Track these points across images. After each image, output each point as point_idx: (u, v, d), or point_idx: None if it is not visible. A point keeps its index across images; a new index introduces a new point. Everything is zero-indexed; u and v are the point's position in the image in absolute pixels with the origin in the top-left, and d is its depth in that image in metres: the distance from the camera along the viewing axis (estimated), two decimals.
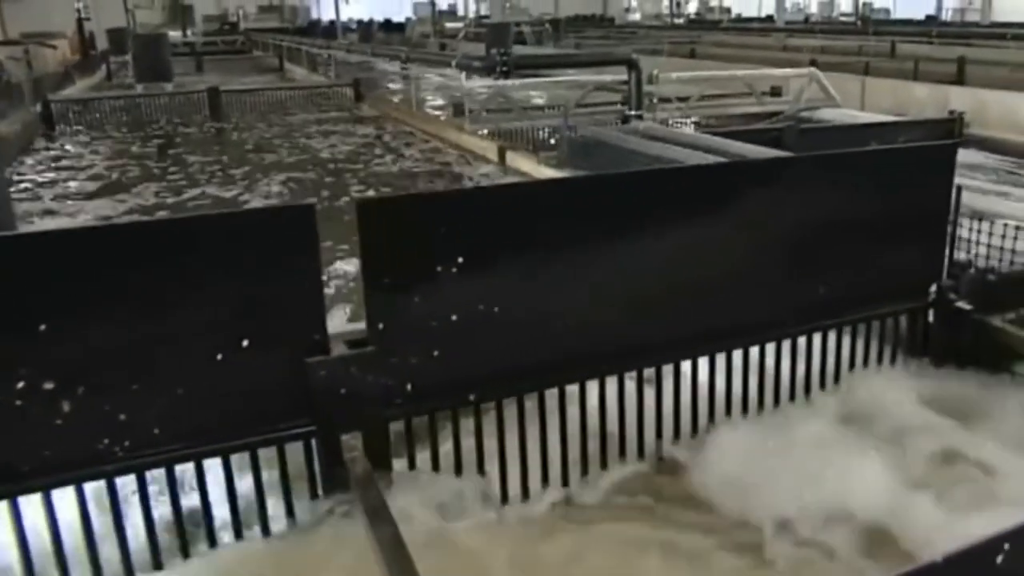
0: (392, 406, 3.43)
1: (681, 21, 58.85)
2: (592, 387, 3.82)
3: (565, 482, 3.80)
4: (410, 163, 12.91)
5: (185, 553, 3.27)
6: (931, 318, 4.55)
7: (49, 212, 10.40)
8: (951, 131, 11.87)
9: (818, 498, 3.50)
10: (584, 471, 3.86)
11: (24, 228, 8.63)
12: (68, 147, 15.16)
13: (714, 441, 4.04)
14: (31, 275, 2.89)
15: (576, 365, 3.75)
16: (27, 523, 3.02)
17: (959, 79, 17.09)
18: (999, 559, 1.75)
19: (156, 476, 3.19)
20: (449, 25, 50.21)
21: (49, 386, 2.92)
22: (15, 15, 43.63)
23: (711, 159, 7.44)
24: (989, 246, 4.58)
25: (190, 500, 3.28)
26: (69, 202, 10.86)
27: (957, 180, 4.47)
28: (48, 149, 15.07)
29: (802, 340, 4.28)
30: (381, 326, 3.35)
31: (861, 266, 4.32)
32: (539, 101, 15.74)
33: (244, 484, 3.35)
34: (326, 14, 56.47)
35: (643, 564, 3.35)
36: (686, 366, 4.05)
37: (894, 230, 4.36)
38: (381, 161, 13.15)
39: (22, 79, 19.31)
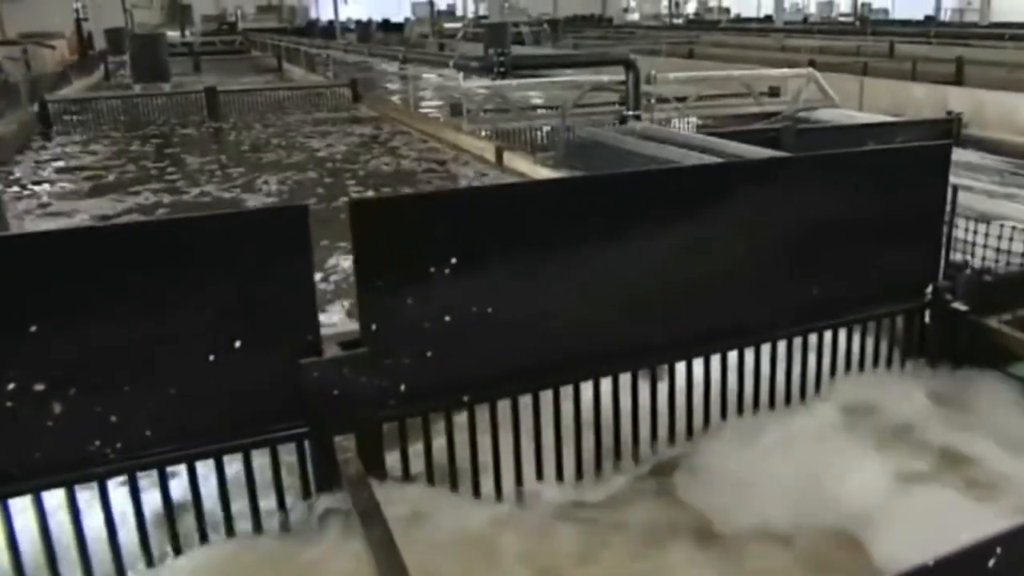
0: (385, 407, 3.41)
1: (680, 21, 58.88)
2: (587, 388, 3.80)
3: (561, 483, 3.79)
4: (408, 163, 12.90)
5: (177, 554, 3.25)
6: (927, 319, 4.54)
7: (43, 212, 10.38)
8: (949, 131, 11.87)
9: (813, 500, 3.48)
10: (579, 473, 3.84)
11: (18, 228, 8.63)
12: (65, 147, 15.14)
13: (711, 442, 4.03)
14: (22, 276, 2.88)
15: (571, 366, 3.73)
16: (17, 525, 3.01)
17: (957, 79, 17.11)
18: (991, 562, 1.74)
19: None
20: (448, 25, 50.19)
21: (40, 387, 2.90)
22: (14, 15, 43.61)
23: (708, 159, 7.43)
24: (998, 249, 4.56)
25: (183, 501, 3.26)
26: (64, 202, 10.83)
27: (960, 181, 4.47)
28: (44, 149, 15.06)
29: (797, 341, 4.26)
30: (374, 327, 3.34)
31: (857, 267, 4.31)
32: (537, 101, 15.72)
33: (237, 485, 3.34)
34: (325, 14, 56.48)
35: (639, 565, 3.34)
36: (681, 367, 4.03)
37: (890, 230, 4.35)
38: (378, 161, 13.14)
39: (19, 79, 19.27)
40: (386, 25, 51.69)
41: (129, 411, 3.04)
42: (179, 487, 3.25)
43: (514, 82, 13.86)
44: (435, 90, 19.65)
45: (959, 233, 4.60)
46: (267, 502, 3.39)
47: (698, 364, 4.07)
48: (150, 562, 3.22)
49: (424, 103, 19.06)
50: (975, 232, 4.60)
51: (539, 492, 3.74)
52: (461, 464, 3.62)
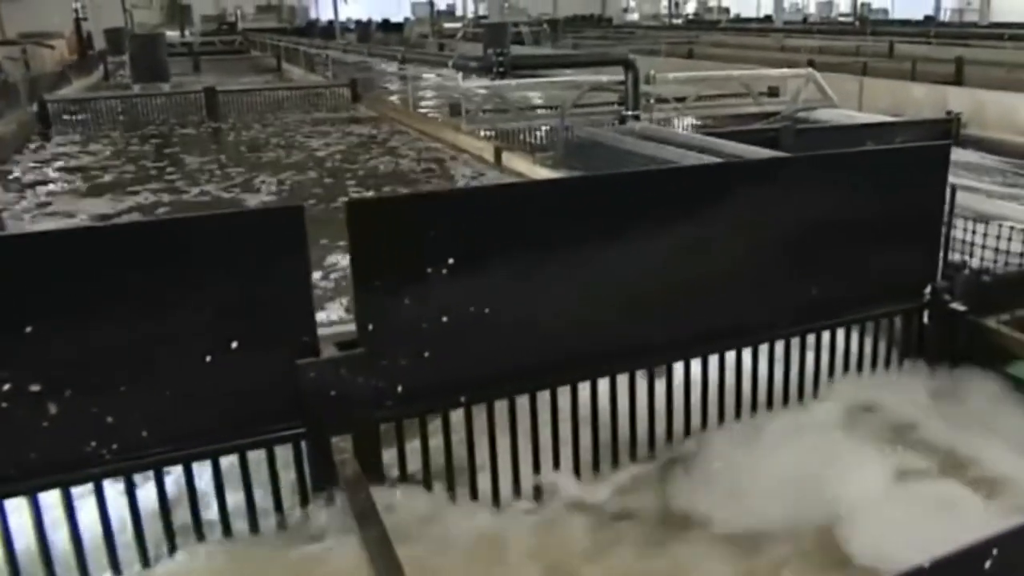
0: (382, 408, 3.40)
1: (679, 21, 58.88)
2: (584, 389, 3.79)
3: (557, 483, 3.78)
4: (406, 163, 12.89)
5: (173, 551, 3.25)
6: (926, 319, 4.53)
7: (41, 212, 10.37)
8: (948, 132, 11.87)
9: (810, 499, 3.48)
10: (576, 473, 3.83)
11: (15, 229, 8.62)
12: (63, 147, 15.13)
13: (710, 442, 4.02)
14: (16, 276, 2.87)
15: (568, 366, 3.72)
16: (12, 525, 3.00)
17: (957, 79, 17.10)
18: (987, 564, 1.74)
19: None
20: (447, 25, 50.18)
21: (36, 388, 2.90)
22: (13, 15, 43.61)
23: (707, 159, 7.43)
24: (996, 250, 4.56)
25: (179, 502, 3.26)
26: (62, 202, 10.82)
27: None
28: (43, 149, 15.05)
29: (795, 341, 4.26)
30: (371, 328, 3.33)
31: (855, 267, 4.30)
32: (538, 101, 15.71)
33: (234, 486, 3.34)
34: (325, 14, 56.47)
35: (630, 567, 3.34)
36: (680, 368, 4.03)
37: (888, 231, 4.34)
38: (377, 161, 13.13)
39: (19, 79, 19.27)
40: (386, 25, 51.69)
41: (125, 412, 3.04)
42: (176, 488, 3.25)
43: (513, 82, 13.86)
44: (434, 90, 19.64)
45: (959, 234, 4.59)
46: (264, 503, 3.38)
47: (696, 364, 4.06)
48: (146, 563, 3.20)
49: (423, 103, 19.06)
50: (973, 232, 4.59)
51: (536, 492, 3.74)
52: (458, 464, 3.61)
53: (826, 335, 4.34)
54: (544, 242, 3.60)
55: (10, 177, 12.48)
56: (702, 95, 14.38)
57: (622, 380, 3.88)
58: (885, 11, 58.09)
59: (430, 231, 3.37)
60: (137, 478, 3.16)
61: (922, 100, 13.90)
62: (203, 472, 3.27)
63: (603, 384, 3.83)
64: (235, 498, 3.34)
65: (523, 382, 3.65)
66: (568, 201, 3.76)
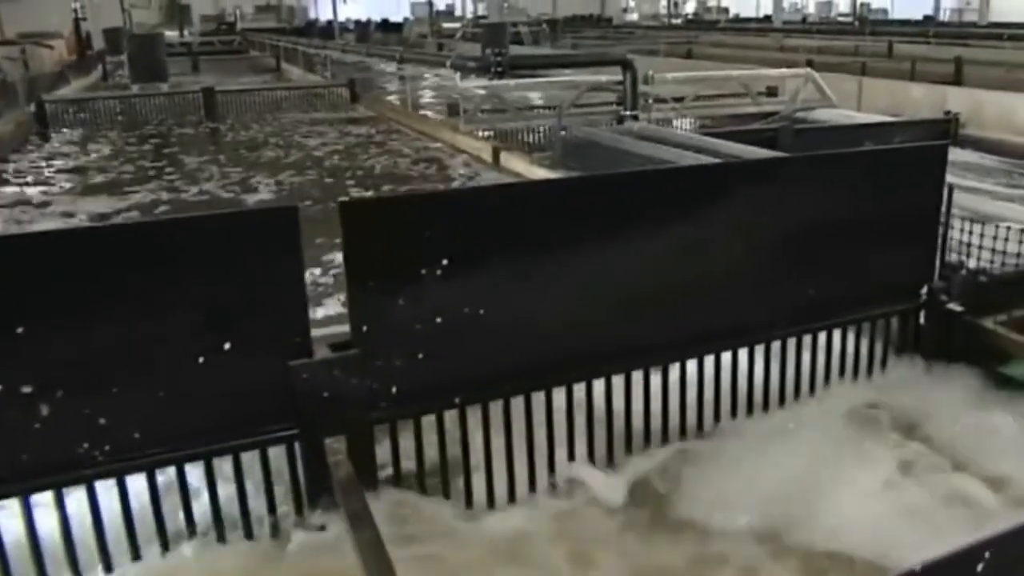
0: (376, 409, 3.39)
1: (678, 21, 58.87)
2: (580, 390, 3.78)
3: (553, 485, 3.77)
4: (405, 163, 12.88)
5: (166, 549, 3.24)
6: (922, 320, 4.52)
7: (37, 212, 10.36)
8: (947, 132, 11.88)
9: (804, 500, 3.47)
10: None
11: (9, 229, 8.61)
12: (61, 147, 15.12)
13: (707, 442, 4.02)
14: (7, 277, 2.86)
15: (563, 367, 3.71)
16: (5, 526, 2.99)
17: (956, 79, 17.10)
18: (979, 567, 1.72)
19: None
20: (447, 25, 50.16)
21: (27, 389, 2.89)
22: (12, 15, 43.57)
23: (705, 160, 7.42)
24: (993, 250, 4.55)
25: (172, 503, 3.25)
26: (60, 203, 10.81)
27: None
28: (41, 149, 15.03)
29: (792, 342, 4.24)
30: (365, 328, 3.32)
31: (852, 267, 4.29)
32: (538, 101, 15.69)
33: (227, 486, 3.33)
34: (324, 14, 56.44)
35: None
36: (676, 368, 4.02)
37: (886, 231, 4.33)
38: (376, 161, 13.12)
39: (17, 79, 19.25)
40: (385, 25, 51.65)
41: (118, 413, 3.03)
42: (171, 488, 3.24)
43: (511, 82, 13.85)
44: (433, 90, 19.63)
45: (960, 235, 4.57)
46: (257, 504, 3.37)
47: (693, 365, 4.05)
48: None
49: (422, 103, 19.05)
50: (970, 233, 4.58)
51: (531, 493, 3.73)
52: (453, 465, 3.61)
53: (822, 336, 4.32)
54: (539, 243, 3.59)
55: (6, 177, 12.46)
56: (701, 95, 14.38)
57: (618, 381, 3.87)
58: (884, 11, 58.08)
59: (424, 232, 3.36)
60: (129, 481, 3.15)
61: (921, 100, 13.89)
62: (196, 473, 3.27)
63: (599, 385, 3.82)
64: (228, 499, 3.33)
65: (518, 383, 3.63)
66: (563, 201, 3.75)
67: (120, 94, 20.37)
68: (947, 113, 12.36)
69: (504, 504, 3.66)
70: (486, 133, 13.21)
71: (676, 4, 64.24)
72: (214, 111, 17.78)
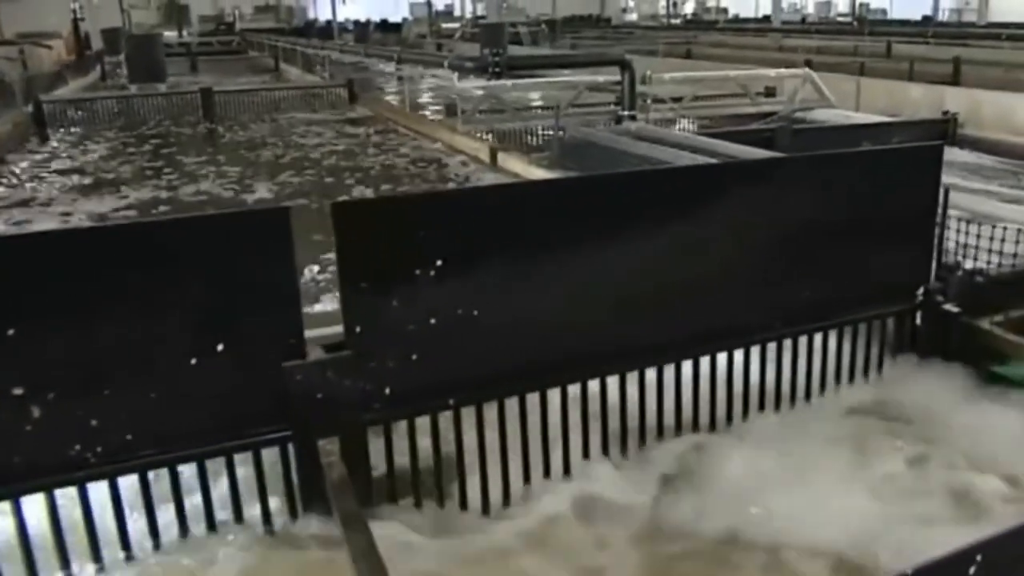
0: (370, 410, 3.39)
1: (678, 22, 58.87)
2: (574, 390, 3.77)
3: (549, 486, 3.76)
4: (403, 163, 12.87)
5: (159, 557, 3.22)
6: (919, 320, 4.51)
7: (33, 213, 10.34)
8: (945, 132, 11.88)
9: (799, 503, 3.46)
10: (567, 472, 3.81)
11: (2, 231, 8.60)
12: (59, 147, 15.10)
13: (704, 442, 4.01)
14: None
15: (558, 369, 3.70)
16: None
17: (954, 79, 17.09)
18: (971, 570, 1.72)
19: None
20: (446, 26, 50.13)
21: (18, 391, 2.88)
22: (11, 15, 43.53)
23: (702, 160, 7.42)
24: (988, 250, 4.54)
25: (165, 504, 3.24)
26: (57, 203, 10.80)
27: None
28: (39, 150, 15.01)
29: (787, 343, 4.23)
30: (358, 330, 3.31)
31: (848, 268, 4.28)
32: (536, 102, 15.68)
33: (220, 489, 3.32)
34: (323, 14, 56.42)
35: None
36: (672, 369, 4.00)
37: (882, 232, 4.32)
38: (374, 161, 13.11)
39: (15, 79, 19.23)
40: (384, 25, 51.62)
41: (110, 415, 3.02)
42: (163, 490, 3.23)
43: (509, 82, 13.84)
44: (432, 91, 19.62)
45: (952, 235, 4.56)
46: (250, 505, 3.36)
47: (689, 366, 4.04)
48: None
49: (420, 103, 19.04)
50: (966, 233, 4.57)
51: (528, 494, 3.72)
52: (447, 466, 3.59)
53: (818, 337, 4.31)
54: (533, 244, 3.58)
55: (3, 177, 12.45)
56: (699, 95, 14.38)
57: (612, 382, 3.85)
58: (883, 11, 58.09)
59: (418, 232, 3.35)
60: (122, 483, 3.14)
61: (919, 100, 13.88)
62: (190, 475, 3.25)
63: (594, 386, 3.81)
64: (222, 500, 3.33)
65: (512, 384, 3.62)
66: (559, 202, 3.73)
67: (118, 94, 20.34)
68: (945, 113, 12.36)
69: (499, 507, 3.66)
70: (484, 134, 13.20)
71: (675, 4, 64.27)
72: (212, 111, 17.75)
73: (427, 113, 17.62)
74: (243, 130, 16.65)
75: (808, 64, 16.74)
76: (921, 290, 4.45)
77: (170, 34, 39.29)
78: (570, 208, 3.68)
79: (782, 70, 15.72)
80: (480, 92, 13.83)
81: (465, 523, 3.54)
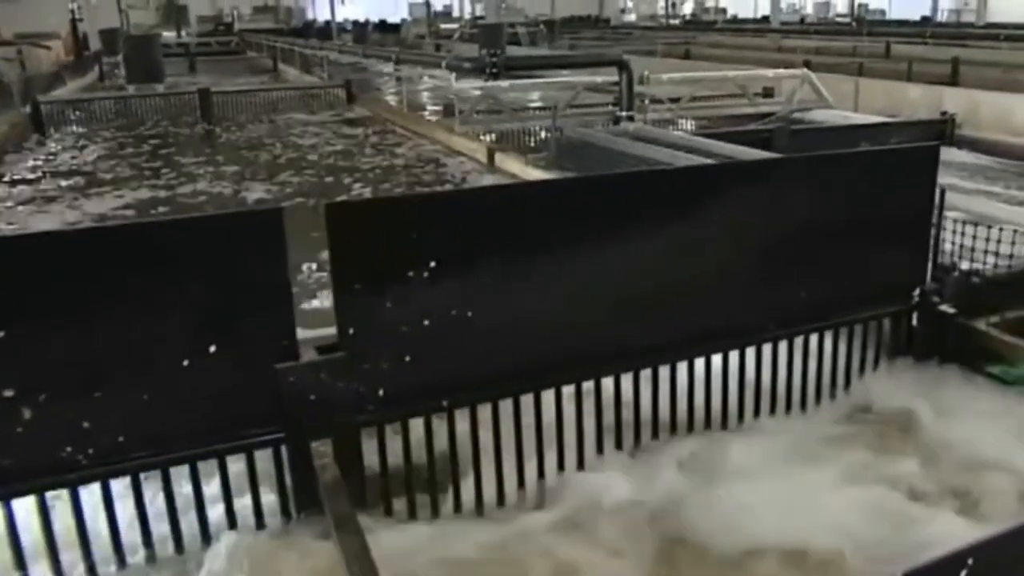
0: (363, 412, 3.37)
1: (676, 22, 58.88)
2: (568, 392, 3.76)
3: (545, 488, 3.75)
4: (400, 164, 12.87)
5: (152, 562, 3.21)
6: (915, 321, 4.50)
7: (29, 213, 10.34)
8: (943, 132, 11.88)
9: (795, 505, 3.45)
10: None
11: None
12: (57, 148, 15.09)
13: (701, 443, 4.00)
14: None
15: (552, 370, 3.69)
16: None
17: (953, 80, 17.09)
18: (963, 573, 1.71)
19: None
20: (445, 26, 50.12)
21: (9, 393, 2.86)
22: (9, 15, 43.46)
23: (699, 161, 7.41)
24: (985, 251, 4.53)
25: (157, 508, 3.23)
26: (54, 204, 10.79)
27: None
28: (34, 151, 15.00)
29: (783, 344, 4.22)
30: (352, 331, 3.30)
31: (844, 269, 4.27)
32: (534, 102, 15.67)
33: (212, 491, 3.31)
34: (322, 15, 56.41)
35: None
36: (665, 371, 3.99)
37: (877, 232, 4.31)
38: (371, 161, 13.11)
39: (13, 80, 19.22)
40: (383, 26, 51.60)
41: (102, 417, 3.01)
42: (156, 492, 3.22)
43: (506, 83, 13.83)
44: (430, 91, 19.62)
45: (958, 238, 4.56)
46: (243, 507, 3.35)
47: (684, 367, 4.03)
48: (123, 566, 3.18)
49: (418, 104, 19.04)
50: (962, 234, 4.56)
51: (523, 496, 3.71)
52: (441, 467, 3.59)
53: (814, 338, 4.30)
54: (528, 245, 3.57)
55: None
56: (697, 96, 14.37)
57: (607, 383, 3.84)
58: (882, 11, 58.11)
59: (411, 234, 3.34)
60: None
61: (918, 101, 13.88)
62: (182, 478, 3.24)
63: (588, 387, 3.80)
64: (214, 503, 3.31)
65: (506, 386, 3.61)
66: (554, 203, 3.72)
67: (116, 95, 20.33)
68: (943, 114, 12.36)
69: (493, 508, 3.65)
70: (482, 134, 13.20)
71: (674, 5, 64.29)
72: (210, 112, 17.74)
73: (425, 114, 17.61)
74: (241, 130, 16.64)
75: (807, 64, 16.74)
76: (917, 291, 4.44)
77: (168, 34, 39.27)
78: (566, 209, 3.67)
79: (780, 71, 15.72)
80: (477, 92, 13.82)
81: (459, 524, 3.52)
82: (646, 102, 13.43)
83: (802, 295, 4.19)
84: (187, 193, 11.20)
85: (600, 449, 3.90)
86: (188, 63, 33.52)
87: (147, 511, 3.18)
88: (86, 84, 26.58)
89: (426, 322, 3.38)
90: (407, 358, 3.38)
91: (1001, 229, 4.53)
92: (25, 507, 3.02)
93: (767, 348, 4.17)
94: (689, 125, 13.83)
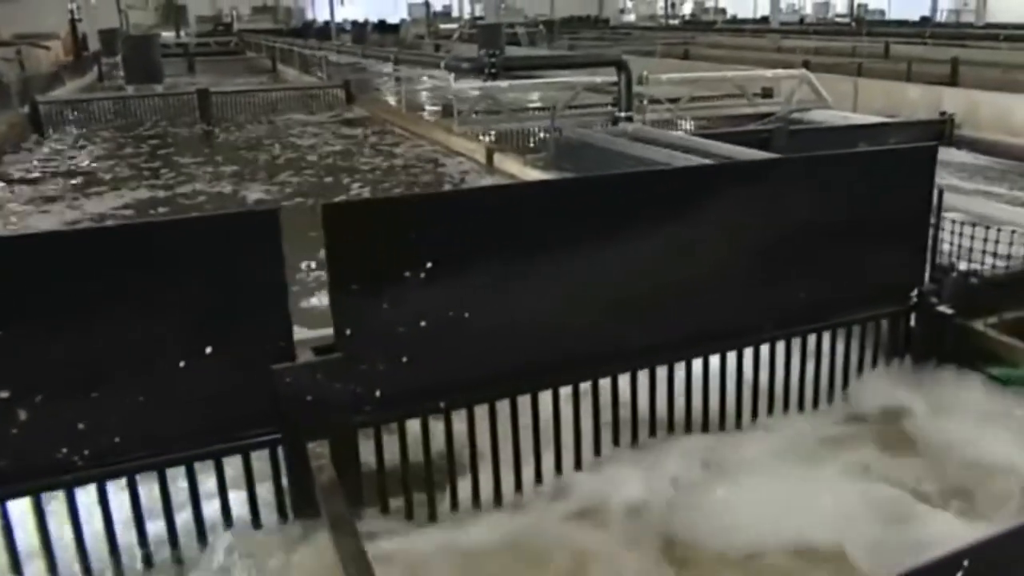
0: (360, 413, 3.37)
1: (676, 22, 58.88)
2: (565, 393, 3.75)
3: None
4: (398, 164, 12.86)
5: (148, 564, 3.20)
6: (913, 322, 4.49)
7: (29, 214, 10.33)
8: (942, 132, 11.88)
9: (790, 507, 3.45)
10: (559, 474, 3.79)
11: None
12: (55, 149, 15.08)
13: (697, 443, 3.99)
14: None
15: (549, 370, 3.69)
16: None
17: (952, 80, 17.09)
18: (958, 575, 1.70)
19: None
20: (444, 26, 50.10)
21: (4, 394, 2.86)
22: (8, 16, 43.43)
23: (698, 161, 7.41)
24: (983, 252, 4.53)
25: (154, 509, 3.22)
26: (53, 204, 10.78)
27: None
28: (32, 151, 14.99)
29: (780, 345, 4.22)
30: (348, 332, 3.29)
31: (842, 269, 4.26)
32: (533, 102, 15.67)
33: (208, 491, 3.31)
34: (321, 15, 56.41)
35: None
36: (665, 370, 3.99)
37: (875, 233, 4.31)
38: (370, 161, 13.10)
39: (12, 80, 19.21)
40: (382, 26, 51.58)
41: (98, 418, 3.00)
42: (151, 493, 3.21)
43: (505, 83, 13.83)
44: (429, 91, 19.62)
45: (956, 239, 4.55)
46: (240, 508, 3.34)
47: (681, 368, 4.02)
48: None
49: (417, 104, 19.03)
50: (960, 235, 4.55)
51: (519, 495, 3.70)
52: (438, 468, 3.58)
53: (812, 338, 4.29)
54: (525, 245, 3.56)
55: None
56: (696, 96, 14.36)
57: (604, 384, 3.84)
58: (882, 12, 58.11)
59: (409, 234, 3.33)
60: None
61: (917, 101, 13.88)
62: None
63: (585, 388, 3.79)
64: (210, 504, 3.31)
65: (503, 387, 3.61)
66: (551, 203, 3.71)
67: (114, 95, 20.30)
68: (942, 114, 12.36)
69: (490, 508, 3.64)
70: (481, 135, 13.19)
71: (673, 5, 64.29)
72: (209, 112, 17.72)
73: (424, 114, 17.61)
74: (240, 131, 16.63)
75: (806, 65, 16.76)
76: (915, 292, 4.43)
77: (168, 35, 39.25)
78: (563, 209, 3.66)
79: (779, 71, 15.72)
80: (476, 93, 13.82)
81: (454, 525, 3.52)
82: (645, 102, 13.43)
83: (800, 296, 4.18)
84: (186, 193, 11.19)
85: (598, 450, 3.89)
86: (187, 63, 33.48)
87: (143, 512, 3.17)
88: (85, 84, 26.55)
89: (423, 323, 3.38)
90: (404, 359, 3.38)
91: (999, 230, 4.53)
92: (20, 508, 3.01)
93: (764, 349, 4.16)
94: (688, 125, 13.82)
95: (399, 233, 3.32)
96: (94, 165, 13.38)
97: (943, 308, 4.38)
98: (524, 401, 3.66)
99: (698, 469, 3.81)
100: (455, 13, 62.41)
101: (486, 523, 3.52)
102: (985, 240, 4.51)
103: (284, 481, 3.35)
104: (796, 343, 4.25)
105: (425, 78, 19.12)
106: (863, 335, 4.43)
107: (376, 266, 3.31)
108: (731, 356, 4.10)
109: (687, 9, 68.73)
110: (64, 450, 2.98)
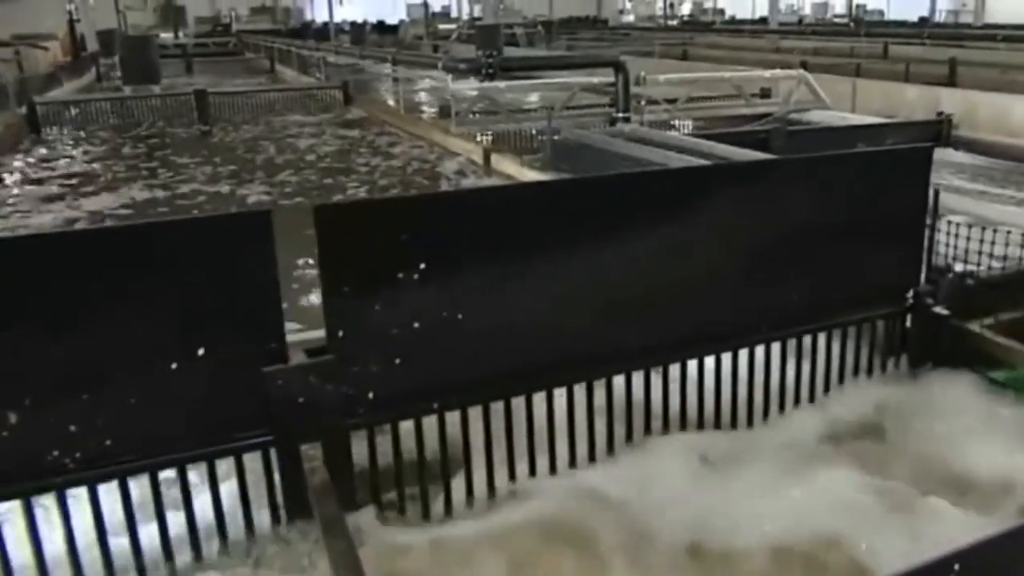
0: (353, 415, 3.35)
1: (675, 23, 58.92)
2: (560, 394, 3.74)
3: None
4: (396, 164, 12.86)
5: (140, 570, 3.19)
6: (908, 323, 4.48)
7: (27, 214, 10.32)
8: (939, 133, 11.88)
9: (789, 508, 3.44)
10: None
11: None
12: (52, 149, 15.08)
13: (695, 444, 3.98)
14: None
15: (544, 372, 3.67)
16: None
17: (950, 81, 17.09)
18: None
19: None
20: (442, 27, 50.10)
21: None
22: (7, 16, 43.41)
23: (695, 162, 7.40)
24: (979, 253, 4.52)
25: (146, 513, 3.21)
26: (51, 204, 10.78)
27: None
28: (31, 151, 14.98)
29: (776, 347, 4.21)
30: (341, 334, 3.28)
31: (838, 270, 4.25)
32: (531, 103, 15.67)
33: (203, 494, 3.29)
34: (320, 16, 56.41)
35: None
36: (657, 373, 3.98)
37: (871, 234, 4.30)
38: (367, 162, 13.10)
39: (10, 80, 19.18)
40: (381, 27, 51.59)
41: (88, 420, 2.98)
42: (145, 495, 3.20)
43: (502, 84, 13.82)
44: (426, 92, 19.62)
45: (952, 239, 4.54)
46: (232, 510, 3.33)
47: (676, 369, 4.01)
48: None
49: (415, 105, 19.03)
50: (956, 236, 4.55)
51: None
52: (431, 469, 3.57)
53: (807, 339, 4.28)
54: (520, 247, 3.55)
55: None
56: (694, 97, 14.36)
57: (599, 386, 3.83)
58: (880, 12, 58.13)
59: (401, 236, 3.32)
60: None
61: (915, 101, 13.87)
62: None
63: (579, 390, 3.78)
64: (203, 506, 3.29)
65: (497, 388, 3.59)
66: (546, 204, 3.70)
67: (112, 96, 20.29)
68: (940, 114, 12.36)
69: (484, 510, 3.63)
70: (478, 135, 13.19)
71: (672, 5, 64.34)
72: (206, 113, 17.71)
73: (422, 115, 17.61)
74: (238, 132, 16.62)
75: (804, 65, 16.75)
76: (911, 293, 4.42)
77: (166, 35, 39.24)
78: (559, 210, 3.65)
79: (777, 71, 15.71)
80: (474, 93, 13.81)
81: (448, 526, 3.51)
82: (643, 103, 13.42)
83: (795, 297, 4.17)
84: (184, 193, 11.18)
85: (593, 452, 3.88)
86: (185, 64, 33.50)
87: (135, 515, 3.16)
88: (83, 85, 26.54)
89: (416, 324, 3.36)
90: (397, 361, 3.36)
91: (995, 231, 4.52)
92: (10, 509, 3.00)
93: (760, 350, 4.15)
94: (686, 126, 13.82)
95: (392, 234, 3.30)
96: (91, 166, 13.37)
97: (939, 309, 4.38)
98: (518, 403, 3.65)
99: (695, 466, 3.80)
100: (454, 14, 62.44)
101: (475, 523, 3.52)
102: (981, 241, 4.50)
103: (277, 483, 3.33)
104: (791, 344, 4.23)
105: (424, 79, 19.11)
106: (859, 336, 4.41)
107: (369, 268, 3.30)
108: (726, 357, 4.08)
109: (686, 10, 68.76)
110: (55, 452, 2.97)
